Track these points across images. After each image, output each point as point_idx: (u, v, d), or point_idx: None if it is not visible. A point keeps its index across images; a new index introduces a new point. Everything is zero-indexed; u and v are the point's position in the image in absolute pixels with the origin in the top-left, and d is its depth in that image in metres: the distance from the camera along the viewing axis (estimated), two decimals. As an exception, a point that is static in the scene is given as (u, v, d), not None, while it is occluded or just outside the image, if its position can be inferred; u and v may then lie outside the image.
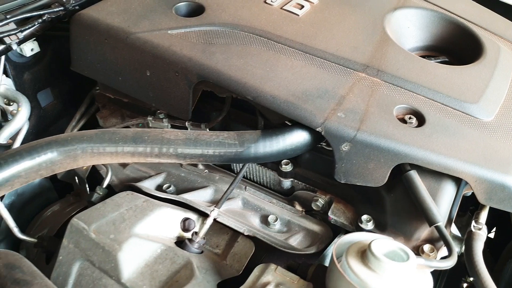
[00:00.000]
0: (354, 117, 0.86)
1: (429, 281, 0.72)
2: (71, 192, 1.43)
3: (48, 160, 0.78)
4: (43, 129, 1.46)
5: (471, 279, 0.92)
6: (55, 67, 1.45)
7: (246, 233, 0.95)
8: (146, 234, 0.91)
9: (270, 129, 0.89)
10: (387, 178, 0.86)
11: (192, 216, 1.00)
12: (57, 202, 1.41)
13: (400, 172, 0.86)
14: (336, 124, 0.85)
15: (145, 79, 1.01)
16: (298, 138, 0.88)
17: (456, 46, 1.18)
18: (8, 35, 1.09)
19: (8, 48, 1.13)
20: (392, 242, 0.74)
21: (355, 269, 0.70)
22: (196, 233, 0.95)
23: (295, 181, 1.08)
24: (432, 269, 0.75)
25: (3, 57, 1.20)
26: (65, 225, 1.22)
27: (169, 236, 0.95)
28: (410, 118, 0.90)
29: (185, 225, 0.97)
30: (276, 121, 0.92)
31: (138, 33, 0.99)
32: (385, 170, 0.85)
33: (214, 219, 0.96)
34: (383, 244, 0.73)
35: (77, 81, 1.54)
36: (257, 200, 1.10)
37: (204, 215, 1.01)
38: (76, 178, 1.34)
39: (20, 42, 1.14)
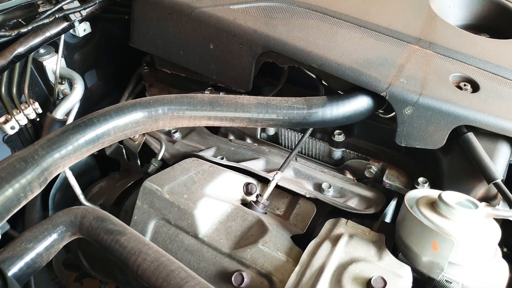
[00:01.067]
0: (415, 83, 0.91)
1: (498, 230, 0.77)
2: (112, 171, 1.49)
3: (133, 121, 0.83)
4: (89, 108, 1.51)
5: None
6: (102, 49, 1.50)
7: (307, 195, 1.00)
8: (216, 195, 0.96)
9: (335, 95, 0.94)
10: (445, 140, 0.91)
11: (253, 182, 1.05)
12: (102, 179, 1.45)
13: (456, 135, 0.92)
14: (399, 89, 0.90)
15: (208, 52, 1.06)
16: (361, 103, 0.93)
17: (496, 23, 1.23)
18: (73, 12, 1.14)
19: (71, 25, 1.18)
20: (459, 194, 0.79)
21: (429, 216, 0.75)
22: (259, 195, 1.00)
23: (347, 150, 1.13)
24: (497, 217, 0.80)
25: (62, 36, 1.25)
26: (122, 195, 1.28)
27: (234, 199, 1.01)
28: (465, 85, 0.95)
29: (248, 188, 1.03)
30: (339, 88, 0.97)
31: (202, 7, 1.04)
32: (444, 132, 0.90)
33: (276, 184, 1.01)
34: (452, 195, 0.78)
35: (120, 64, 1.60)
36: (308, 169, 1.15)
37: (263, 181, 1.06)
38: (124, 154, 1.39)
39: (82, 20, 1.19)
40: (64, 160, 0.75)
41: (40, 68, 1.31)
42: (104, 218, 0.82)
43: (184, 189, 0.95)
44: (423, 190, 0.85)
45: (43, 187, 0.73)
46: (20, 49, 1.09)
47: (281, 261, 0.81)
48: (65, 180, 1.40)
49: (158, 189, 0.95)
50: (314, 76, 1.04)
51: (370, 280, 0.70)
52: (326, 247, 0.79)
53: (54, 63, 1.32)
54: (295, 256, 0.82)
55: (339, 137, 1.10)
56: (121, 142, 1.37)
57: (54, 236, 0.83)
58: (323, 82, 1.01)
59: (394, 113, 0.99)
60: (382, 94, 0.90)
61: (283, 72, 1.09)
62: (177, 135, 1.35)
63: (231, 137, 1.32)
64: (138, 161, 1.33)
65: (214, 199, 0.94)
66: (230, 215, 0.93)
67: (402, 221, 0.79)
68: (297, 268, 0.77)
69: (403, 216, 0.78)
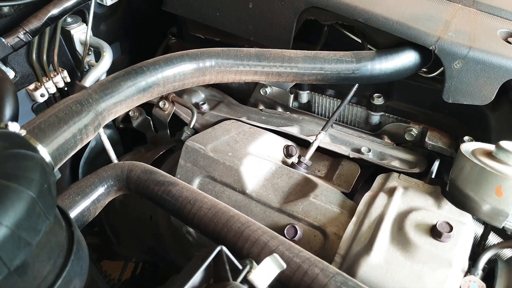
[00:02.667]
0: (463, 37, 0.90)
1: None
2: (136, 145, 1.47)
3: (181, 72, 0.81)
4: (113, 82, 1.49)
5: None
6: (127, 21, 1.48)
7: (351, 156, 0.98)
8: (259, 155, 0.94)
9: (384, 49, 0.92)
10: (494, 95, 0.89)
11: (292, 144, 1.03)
12: (127, 154, 1.43)
13: (506, 90, 0.90)
14: (448, 43, 0.88)
15: (246, 12, 1.04)
16: (409, 57, 0.91)
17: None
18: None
19: (103, -10, 1.16)
20: (514, 143, 0.77)
21: (489, 163, 0.74)
22: (300, 156, 0.98)
23: (386, 114, 1.12)
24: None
25: (92, 4, 1.23)
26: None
27: (275, 160, 0.99)
28: (513, 40, 0.93)
29: (288, 150, 1.01)
30: (384, 44, 0.95)
31: (241, -35, 1.03)
32: (494, 87, 0.89)
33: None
34: (509, 143, 0.76)
35: (145, 37, 1.58)
36: (345, 135, 1.13)
37: (302, 145, 1.04)
38: (152, 126, 1.37)
39: (113, -15, 1.18)
40: (116, 106, 0.73)
41: (67, 37, 1.29)
42: (153, 171, 0.80)
43: (228, 147, 0.93)
44: (476, 143, 0.83)
45: (96, 133, 0.71)
46: (54, 11, 1.07)
47: (335, 213, 0.79)
48: (93, 150, 1.38)
49: (201, 147, 0.93)
50: (354, 37, 1.03)
51: (434, 225, 0.68)
52: (382, 198, 0.78)
53: (81, 32, 1.30)
54: (349, 208, 0.80)
55: (379, 100, 1.09)
56: (148, 114, 1.36)
57: (101, 190, 0.81)
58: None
59: (435, 73, 0.98)
60: (431, 48, 0.89)
61: (323, 33, 1.07)
62: (205, 107, 1.33)
63: (261, 107, 1.30)
64: (168, 131, 1.31)
65: (258, 157, 0.92)
66: (275, 173, 0.91)
67: (459, 171, 0.77)
68: (354, 219, 0.75)
69: (460, 166, 0.77)
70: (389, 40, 0.93)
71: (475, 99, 0.91)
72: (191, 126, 1.22)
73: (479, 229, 0.79)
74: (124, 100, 0.74)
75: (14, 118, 0.91)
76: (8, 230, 0.41)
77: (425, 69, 0.98)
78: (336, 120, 1.20)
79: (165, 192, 0.75)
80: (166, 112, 1.30)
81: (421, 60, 0.93)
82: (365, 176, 0.98)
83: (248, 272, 0.54)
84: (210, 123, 1.26)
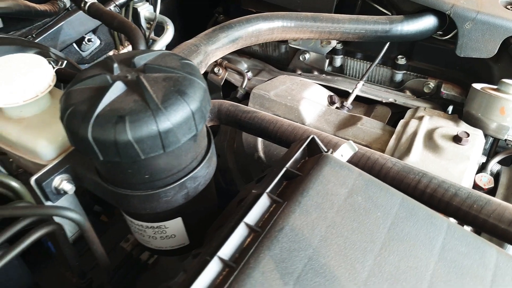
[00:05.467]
0: (472, 4, 1.14)
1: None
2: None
3: (257, 29, 1.05)
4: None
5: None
6: (178, 2, 1.72)
7: (384, 101, 1.23)
8: (311, 99, 1.19)
9: (409, 14, 1.17)
10: (497, 49, 1.14)
11: (334, 94, 1.28)
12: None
13: (505, 45, 1.15)
14: (461, 8, 1.13)
15: (296, -13, 1.29)
16: (430, 21, 1.16)
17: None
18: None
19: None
20: None
21: (494, 93, 0.98)
22: (343, 101, 1.22)
23: (407, 72, 1.36)
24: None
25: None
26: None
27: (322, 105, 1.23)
28: (511, 7, 1.18)
29: (332, 99, 1.25)
30: (408, 10, 1.20)
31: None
32: (497, 43, 1.13)
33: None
34: (509, 80, 1.01)
35: (192, 16, 1.82)
36: (373, 90, 1.38)
37: (340, 96, 1.29)
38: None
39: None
40: (216, 51, 0.97)
41: (134, 13, 1.52)
42: (237, 104, 1.04)
43: (286, 93, 1.18)
44: (483, 84, 1.08)
45: (203, 70, 0.95)
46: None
47: (378, 134, 1.04)
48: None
49: (266, 93, 1.17)
50: (383, 10, 1.27)
51: (456, 134, 0.93)
52: (414, 122, 1.02)
53: (145, 10, 1.54)
54: (389, 131, 1.05)
55: (402, 60, 1.33)
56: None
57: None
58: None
59: (449, 36, 1.23)
60: (447, 12, 1.13)
61: (356, 6, 1.32)
62: (249, 74, 1.57)
63: (299, 72, 1.54)
64: (221, 93, 1.55)
65: (311, 101, 1.17)
66: (325, 112, 1.15)
67: (472, 102, 1.02)
68: (394, 136, 1.00)
69: (473, 96, 1.01)
70: (413, 8, 1.18)
71: (481, 53, 1.15)
72: (243, 87, 1.46)
73: (488, 145, 1.03)
74: (221, 47, 0.98)
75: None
76: (198, 104, 0.65)
77: (440, 32, 1.23)
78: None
79: (251, 118, 0.99)
80: (220, 77, 1.54)
81: (438, 23, 1.17)
82: (394, 117, 1.22)
83: (331, 153, 0.78)
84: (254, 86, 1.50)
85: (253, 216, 0.63)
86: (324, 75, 1.47)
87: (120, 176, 0.68)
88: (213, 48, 0.95)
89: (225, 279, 0.56)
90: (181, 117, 0.62)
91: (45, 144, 0.75)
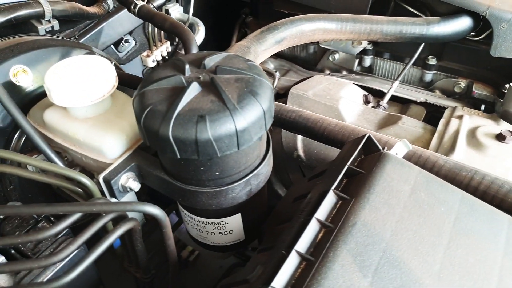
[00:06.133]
0: (507, 5, 1.17)
1: None
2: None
3: (300, 30, 1.08)
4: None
5: None
6: (207, 3, 1.75)
7: (419, 100, 1.25)
8: (348, 98, 1.21)
9: (445, 16, 1.19)
10: (531, 50, 1.17)
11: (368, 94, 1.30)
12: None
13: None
14: (496, 10, 1.15)
15: (330, -11, 1.31)
16: (465, 22, 1.18)
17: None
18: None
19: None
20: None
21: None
22: (379, 101, 1.25)
23: (437, 73, 1.39)
24: None
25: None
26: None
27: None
28: (543, 9, 1.21)
29: (367, 98, 1.28)
30: (443, 12, 1.22)
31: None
32: (531, 44, 1.16)
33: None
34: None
35: (219, 16, 1.84)
36: (404, 90, 1.41)
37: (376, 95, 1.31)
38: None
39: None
40: (263, 52, 1.00)
41: (166, 15, 1.55)
42: (282, 104, 1.06)
43: (324, 93, 1.20)
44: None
45: (253, 71, 0.97)
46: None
47: (419, 133, 1.07)
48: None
49: (304, 93, 1.20)
50: (416, 12, 1.30)
51: (499, 133, 0.96)
52: (454, 121, 1.05)
53: (176, 11, 1.56)
54: (430, 130, 1.07)
55: (433, 61, 1.36)
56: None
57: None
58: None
59: (482, 36, 1.25)
60: (483, 14, 1.16)
61: (389, 8, 1.34)
62: (277, 74, 1.60)
63: (328, 72, 1.57)
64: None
65: (349, 100, 1.20)
66: (364, 111, 1.18)
67: (510, 100, 1.04)
68: (436, 134, 1.03)
69: (511, 97, 1.04)
70: (448, 9, 1.21)
71: (515, 54, 1.18)
72: (274, 87, 1.49)
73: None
74: (268, 48, 1.01)
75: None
76: (268, 104, 0.68)
77: (473, 33, 1.25)
78: (394, 79, 1.47)
79: (296, 117, 1.02)
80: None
81: (473, 24, 1.20)
82: (427, 117, 1.25)
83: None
84: (285, 87, 1.53)
85: (322, 212, 0.65)
86: (353, 74, 1.49)
87: (192, 173, 0.70)
88: (262, 49, 0.97)
89: (303, 272, 0.59)
90: (255, 116, 0.65)
91: (111, 142, 0.78)
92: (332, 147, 1.10)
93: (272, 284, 0.55)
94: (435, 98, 1.35)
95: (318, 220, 0.64)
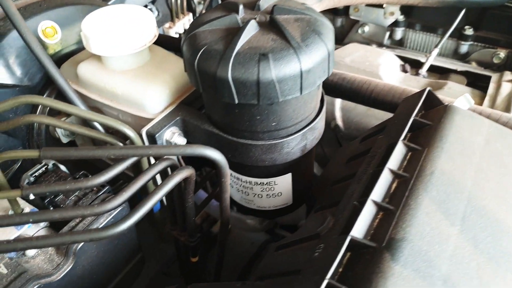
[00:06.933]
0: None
1: None
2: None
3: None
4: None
5: None
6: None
7: (459, 69, 1.20)
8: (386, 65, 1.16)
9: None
10: None
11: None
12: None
13: None
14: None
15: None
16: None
17: None
18: None
19: None
20: None
21: None
22: (417, 71, 1.19)
23: (474, 43, 1.33)
24: None
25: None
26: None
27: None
28: None
29: (404, 67, 1.22)
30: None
31: None
32: None
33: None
34: None
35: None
36: (441, 62, 1.35)
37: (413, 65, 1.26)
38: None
39: None
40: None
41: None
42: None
43: (363, 60, 1.15)
44: None
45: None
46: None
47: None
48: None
49: (341, 59, 1.14)
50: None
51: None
52: (506, 84, 0.99)
53: (198, -16, 1.51)
54: (478, 94, 1.02)
55: (469, 31, 1.30)
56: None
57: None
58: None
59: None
60: (528, -24, 1.10)
61: None
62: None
63: (356, 46, 1.51)
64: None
65: (388, 66, 1.14)
66: (405, 79, 1.12)
67: None
68: (487, 97, 0.97)
69: None
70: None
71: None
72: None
73: None
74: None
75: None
76: (332, 44, 0.62)
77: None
78: (428, 52, 1.41)
79: (340, 80, 0.96)
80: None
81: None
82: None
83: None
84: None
85: (393, 162, 0.60)
86: (384, 48, 1.44)
87: (246, 124, 0.64)
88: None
89: (382, 222, 0.53)
90: (320, 56, 0.59)
91: (154, 95, 0.72)
92: (373, 116, 1.05)
93: (351, 233, 0.49)
94: (473, 69, 1.29)
95: (391, 170, 0.58)
